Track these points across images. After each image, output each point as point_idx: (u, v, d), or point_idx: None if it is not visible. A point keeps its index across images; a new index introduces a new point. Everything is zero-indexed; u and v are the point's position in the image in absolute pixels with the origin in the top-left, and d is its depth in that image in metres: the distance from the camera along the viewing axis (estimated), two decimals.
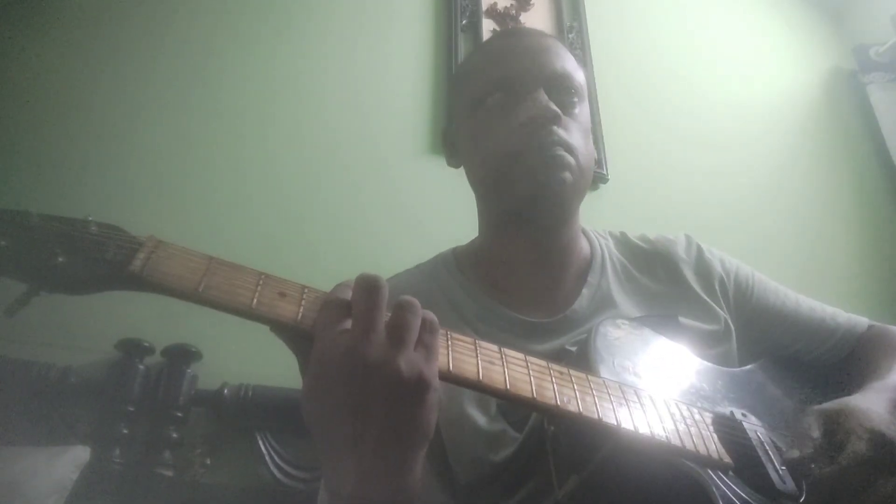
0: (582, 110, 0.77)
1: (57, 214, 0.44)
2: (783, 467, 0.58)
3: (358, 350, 0.42)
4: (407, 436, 0.43)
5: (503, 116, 0.74)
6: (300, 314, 0.45)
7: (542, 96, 0.72)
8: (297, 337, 0.46)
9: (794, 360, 0.82)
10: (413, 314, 0.45)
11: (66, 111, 1.31)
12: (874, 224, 2.13)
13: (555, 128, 0.71)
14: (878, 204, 2.19)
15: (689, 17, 2.25)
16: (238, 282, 0.44)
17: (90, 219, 0.45)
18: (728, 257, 0.88)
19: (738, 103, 2.14)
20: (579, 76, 0.78)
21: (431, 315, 0.47)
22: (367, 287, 0.44)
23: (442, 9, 1.83)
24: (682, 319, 0.73)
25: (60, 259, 0.41)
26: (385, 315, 0.45)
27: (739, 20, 2.36)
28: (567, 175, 0.71)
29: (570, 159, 0.71)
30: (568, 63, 0.77)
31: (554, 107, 0.71)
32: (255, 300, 0.44)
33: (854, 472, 0.52)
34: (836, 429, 0.56)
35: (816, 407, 0.60)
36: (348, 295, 0.45)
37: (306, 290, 0.47)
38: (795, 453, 0.55)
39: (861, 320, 0.86)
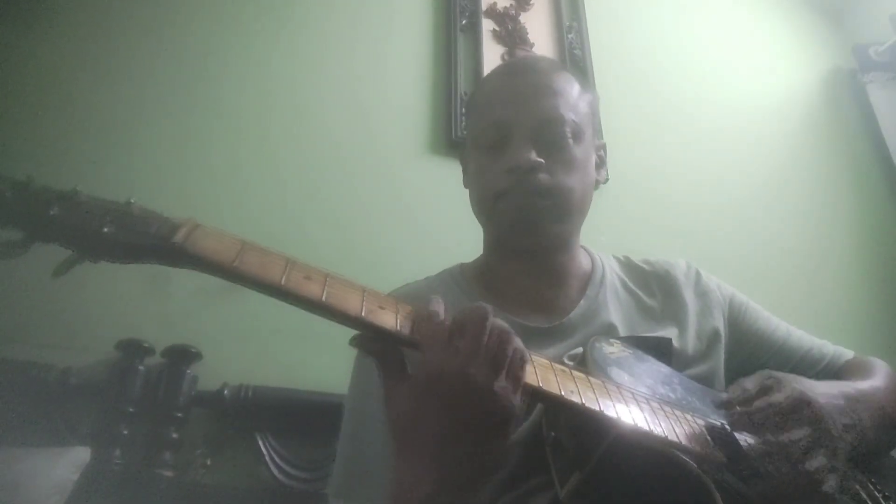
0: (576, 145, 0.79)
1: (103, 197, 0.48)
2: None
3: (468, 373, 0.48)
4: (489, 458, 0.50)
5: (492, 160, 0.79)
6: (324, 295, 0.49)
7: (525, 148, 0.76)
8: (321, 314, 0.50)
9: None
10: (511, 345, 0.51)
11: (67, 112, 1.31)
12: (874, 223, 2.13)
13: (537, 176, 0.75)
14: (878, 203, 2.19)
15: (689, 18, 2.25)
16: (268, 262, 0.48)
17: (133, 201, 0.49)
18: (724, 284, 0.93)
19: (737, 103, 2.14)
20: (575, 112, 0.80)
21: (522, 347, 0.51)
22: (483, 318, 0.51)
23: (441, 9, 1.83)
24: (673, 343, 0.77)
25: (107, 229, 0.45)
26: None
27: (739, 20, 2.36)
28: (545, 218, 0.77)
29: (550, 203, 0.76)
30: (562, 101, 0.80)
31: (535, 158, 0.75)
32: (283, 278, 0.48)
33: (764, 414, 0.58)
34: (769, 385, 0.63)
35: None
36: (436, 307, 0.52)
37: (329, 277, 0.51)
38: (725, 395, 0.61)
39: (847, 352, 0.90)
